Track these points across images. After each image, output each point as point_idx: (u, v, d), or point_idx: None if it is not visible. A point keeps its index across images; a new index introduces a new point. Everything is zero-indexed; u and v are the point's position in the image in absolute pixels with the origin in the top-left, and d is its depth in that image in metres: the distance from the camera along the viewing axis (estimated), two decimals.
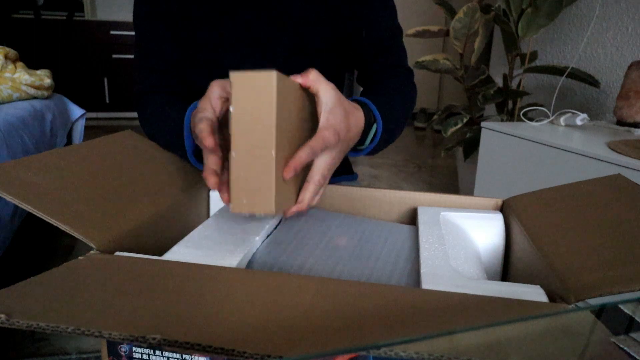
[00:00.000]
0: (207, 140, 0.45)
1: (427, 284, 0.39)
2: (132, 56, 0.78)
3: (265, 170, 0.41)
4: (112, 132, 0.62)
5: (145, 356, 0.34)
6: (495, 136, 1.44)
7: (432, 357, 0.24)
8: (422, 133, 4.00)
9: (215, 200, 0.62)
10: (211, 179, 0.47)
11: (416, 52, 2.12)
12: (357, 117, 0.54)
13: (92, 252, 0.41)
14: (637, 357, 0.34)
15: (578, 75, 1.71)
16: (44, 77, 1.65)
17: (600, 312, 0.29)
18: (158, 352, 0.34)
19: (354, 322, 0.29)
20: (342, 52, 0.79)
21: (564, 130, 1.39)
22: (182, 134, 0.58)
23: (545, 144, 1.23)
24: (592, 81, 1.72)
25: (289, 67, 0.76)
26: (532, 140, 1.28)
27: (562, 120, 1.43)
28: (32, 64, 1.72)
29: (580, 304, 0.33)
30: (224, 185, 0.47)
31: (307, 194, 0.49)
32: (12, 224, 1.18)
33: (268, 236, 0.52)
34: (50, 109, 1.64)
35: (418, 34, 2.06)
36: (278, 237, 0.52)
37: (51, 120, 1.61)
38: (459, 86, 2.06)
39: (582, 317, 0.29)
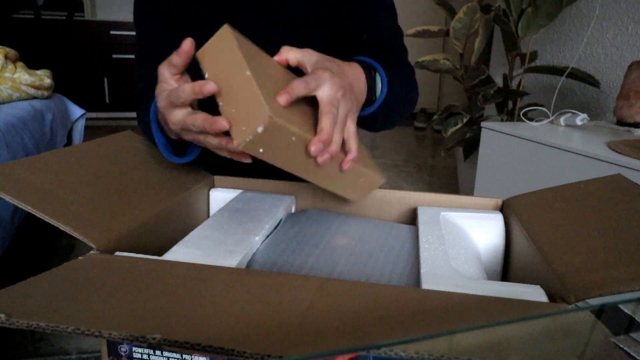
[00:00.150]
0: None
1: (427, 284, 0.39)
2: (132, 56, 0.78)
3: (248, 90, 0.41)
4: (112, 132, 0.62)
5: (145, 356, 0.34)
6: (495, 136, 1.44)
7: (432, 357, 0.24)
8: (422, 133, 4.00)
9: (216, 200, 0.62)
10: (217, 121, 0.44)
11: (416, 52, 2.12)
12: (353, 66, 0.55)
13: (92, 252, 0.41)
14: (637, 357, 0.34)
15: (578, 75, 1.71)
16: (44, 77, 1.65)
17: (600, 312, 0.29)
18: (158, 352, 0.34)
19: (354, 322, 0.29)
20: (342, 52, 0.79)
21: (564, 130, 1.39)
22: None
23: (545, 144, 1.23)
24: (592, 81, 1.72)
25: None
26: (532, 140, 1.28)
27: (562, 120, 1.43)
28: (32, 64, 1.72)
29: (580, 304, 0.33)
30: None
31: (325, 122, 0.46)
32: (12, 224, 1.18)
33: (268, 236, 0.52)
34: (50, 109, 1.64)
35: (418, 34, 2.06)
36: (278, 237, 0.52)
37: (51, 120, 1.61)
38: (459, 86, 2.06)
39: (582, 317, 0.29)
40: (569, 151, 1.15)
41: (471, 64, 1.99)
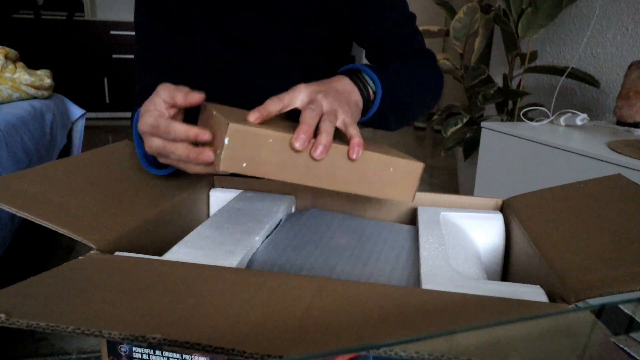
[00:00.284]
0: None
1: (427, 284, 0.39)
2: (132, 56, 0.78)
3: (217, 123, 0.43)
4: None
5: (145, 356, 0.34)
6: (495, 136, 1.44)
7: (432, 357, 0.24)
8: (422, 133, 4.00)
9: (215, 200, 0.62)
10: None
11: None
12: (337, 78, 0.54)
13: (92, 252, 0.41)
14: (637, 357, 0.34)
15: (578, 75, 1.71)
16: (44, 77, 1.65)
17: (600, 312, 0.29)
18: (158, 352, 0.34)
19: (354, 322, 0.29)
20: (342, 52, 0.79)
21: (564, 130, 1.39)
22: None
23: (545, 144, 1.23)
24: (592, 81, 1.72)
25: (289, 67, 0.76)
26: (532, 140, 1.28)
27: (562, 120, 1.43)
28: (32, 64, 1.72)
29: (580, 304, 0.33)
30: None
31: (305, 115, 0.44)
32: (12, 224, 1.18)
33: (268, 236, 0.52)
34: (50, 109, 1.64)
35: None
36: (278, 237, 0.52)
37: (51, 120, 1.61)
38: (459, 86, 2.06)
39: (582, 317, 0.29)
40: (569, 151, 1.15)
41: (471, 64, 1.99)
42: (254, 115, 0.43)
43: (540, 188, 0.55)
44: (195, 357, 0.33)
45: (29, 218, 0.41)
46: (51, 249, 1.59)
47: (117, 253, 0.42)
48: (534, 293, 0.37)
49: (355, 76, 0.57)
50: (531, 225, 0.47)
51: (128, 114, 3.90)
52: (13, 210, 0.40)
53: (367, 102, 0.57)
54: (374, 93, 0.59)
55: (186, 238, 0.47)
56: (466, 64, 1.97)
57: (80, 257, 0.39)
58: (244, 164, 0.41)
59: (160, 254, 0.43)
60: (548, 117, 1.48)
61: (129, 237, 0.45)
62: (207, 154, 0.43)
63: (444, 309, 0.32)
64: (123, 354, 0.35)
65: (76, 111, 1.89)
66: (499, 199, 0.58)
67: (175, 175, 0.59)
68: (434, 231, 0.51)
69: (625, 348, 0.32)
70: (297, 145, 0.42)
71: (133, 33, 0.73)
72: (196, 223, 0.53)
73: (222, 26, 0.71)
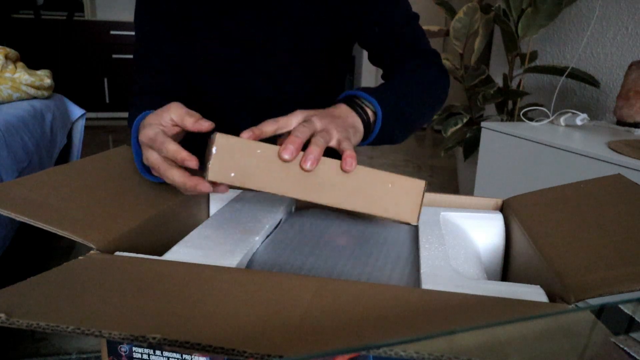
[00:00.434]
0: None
1: (427, 284, 0.39)
2: (132, 56, 0.77)
3: (211, 138, 0.43)
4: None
5: (145, 356, 0.34)
6: (495, 136, 1.44)
7: (432, 357, 0.24)
8: (422, 133, 4.00)
9: (216, 200, 0.62)
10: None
11: None
12: (335, 106, 0.54)
13: (92, 252, 0.41)
14: (637, 357, 0.34)
15: (578, 75, 1.71)
16: (44, 77, 1.65)
17: (600, 312, 0.29)
18: (158, 352, 0.34)
19: (354, 322, 0.29)
20: (342, 52, 0.79)
21: (564, 130, 1.39)
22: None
23: (545, 144, 1.23)
24: (592, 81, 1.72)
25: (289, 67, 0.76)
26: (532, 140, 1.28)
27: (562, 120, 1.43)
28: (32, 64, 1.72)
29: (580, 304, 0.33)
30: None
31: (296, 130, 0.45)
32: (12, 224, 1.18)
33: (268, 236, 0.52)
34: (50, 109, 1.64)
35: None
36: (278, 237, 0.52)
37: (51, 120, 1.61)
38: (459, 86, 2.06)
39: (582, 317, 0.29)
40: (569, 151, 1.15)
41: (471, 64, 1.99)
42: (247, 133, 0.44)
43: (540, 188, 0.55)
44: (195, 357, 0.33)
45: (29, 222, 0.41)
46: (51, 249, 1.59)
47: (117, 253, 0.42)
48: (534, 293, 0.37)
49: (351, 101, 0.56)
50: (531, 225, 0.47)
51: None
52: (12, 215, 0.41)
53: (368, 125, 0.56)
54: (374, 113, 0.57)
55: (186, 238, 0.47)
56: (466, 64, 1.97)
57: (80, 257, 0.39)
58: (232, 174, 0.42)
59: (160, 254, 0.43)
60: (548, 117, 1.48)
61: (129, 237, 0.45)
62: (205, 185, 0.44)
63: (444, 309, 0.32)
64: (123, 354, 0.35)
65: (76, 111, 1.89)
66: (499, 199, 0.58)
67: None
68: (434, 231, 0.51)
69: (625, 348, 0.32)
70: (285, 155, 0.41)
71: (133, 33, 0.73)
72: (196, 223, 0.53)
73: (222, 26, 0.71)
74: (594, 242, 0.39)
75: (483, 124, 1.50)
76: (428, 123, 2.27)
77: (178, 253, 0.44)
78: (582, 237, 0.41)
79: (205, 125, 0.47)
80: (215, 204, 0.62)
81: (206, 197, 0.62)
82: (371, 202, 0.45)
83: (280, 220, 0.57)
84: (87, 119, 1.99)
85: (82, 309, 0.30)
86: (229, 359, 0.31)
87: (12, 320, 0.27)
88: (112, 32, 3.76)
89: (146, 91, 0.72)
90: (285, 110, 0.50)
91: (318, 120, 0.48)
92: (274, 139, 0.48)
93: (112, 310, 0.30)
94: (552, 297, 0.36)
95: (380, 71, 0.77)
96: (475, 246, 0.53)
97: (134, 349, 0.34)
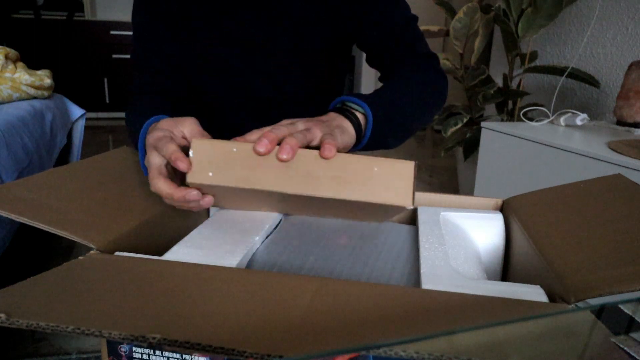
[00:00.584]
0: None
1: (427, 284, 0.39)
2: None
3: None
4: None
5: (145, 356, 0.34)
6: (495, 136, 1.44)
7: (432, 357, 0.24)
8: (422, 133, 4.00)
9: None
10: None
11: None
12: (326, 114, 0.54)
13: (92, 252, 0.41)
14: (637, 357, 0.34)
15: (578, 75, 1.71)
16: (44, 77, 1.65)
17: (600, 312, 0.29)
18: (158, 352, 0.34)
19: (354, 322, 0.29)
20: (342, 52, 0.79)
21: (564, 130, 1.39)
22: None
23: (545, 144, 1.23)
24: (592, 81, 1.72)
25: (289, 67, 0.76)
26: (532, 140, 1.28)
27: (562, 120, 1.43)
28: (32, 64, 1.72)
29: (580, 304, 0.33)
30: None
31: (275, 126, 0.46)
32: (12, 224, 1.18)
33: (268, 236, 0.52)
34: (50, 109, 1.64)
35: None
36: (278, 237, 0.52)
37: (51, 120, 1.61)
38: (459, 86, 2.06)
39: (582, 317, 0.29)
40: (569, 151, 1.15)
41: (471, 64, 1.99)
42: (235, 138, 0.45)
43: (540, 188, 0.55)
44: (195, 357, 0.33)
45: (29, 223, 0.41)
46: (51, 249, 1.59)
47: (117, 253, 0.42)
48: (534, 293, 0.37)
49: (341, 107, 0.56)
50: (531, 225, 0.47)
51: None
52: (12, 216, 0.41)
53: (358, 128, 0.55)
54: (365, 117, 0.56)
55: (186, 238, 0.47)
56: (466, 64, 1.97)
57: (80, 257, 0.39)
58: (210, 173, 0.42)
59: (160, 254, 0.43)
60: (548, 117, 1.48)
61: (129, 237, 0.45)
62: (191, 193, 0.45)
63: (444, 309, 0.32)
64: (123, 354, 0.35)
65: (76, 111, 1.89)
66: (499, 199, 0.58)
67: None
68: (434, 231, 0.51)
69: (625, 348, 0.32)
70: (259, 148, 0.41)
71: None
72: (196, 223, 0.53)
73: (222, 26, 0.71)
74: (594, 242, 0.39)
75: (483, 124, 1.50)
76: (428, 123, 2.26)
77: (178, 253, 0.44)
78: (582, 237, 0.41)
79: (181, 167, 0.44)
80: None
81: None
82: (358, 188, 0.43)
83: (280, 220, 0.57)
84: (87, 119, 1.99)
85: (82, 309, 0.30)
86: (229, 359, 0.31)
87: (12, 320, 0.27)
88: (112, 32, 3.76)
89: (146, 91, 0.72)
90: (285, 110, 0.50)
91: (302, 123, 0.48)
92: None
93: (112, 310, 0.30)
94: (552, 297, 0.36)
95: None
96: (475, 246, 0.53)
97: (134, 349, 0.34)
